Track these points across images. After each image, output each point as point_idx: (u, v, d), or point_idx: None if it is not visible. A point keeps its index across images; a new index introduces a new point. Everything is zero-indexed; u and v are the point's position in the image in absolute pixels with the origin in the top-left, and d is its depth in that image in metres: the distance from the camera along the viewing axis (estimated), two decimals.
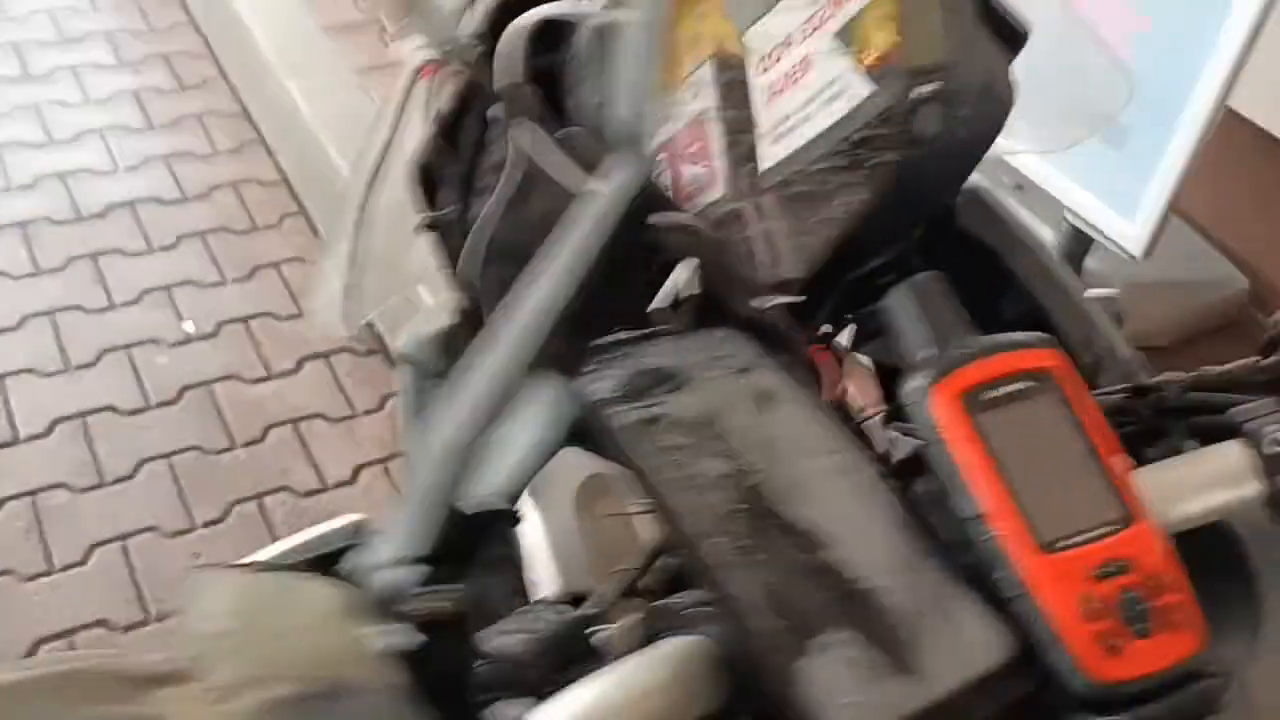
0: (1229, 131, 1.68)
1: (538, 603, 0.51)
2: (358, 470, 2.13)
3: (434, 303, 0.72)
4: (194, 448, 2.13)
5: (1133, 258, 1.34)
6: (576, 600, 0.52)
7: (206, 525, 2.02)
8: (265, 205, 2.65)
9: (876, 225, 0.63)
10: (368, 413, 2.24)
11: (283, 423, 2.19)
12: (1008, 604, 0.46)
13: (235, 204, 2.64)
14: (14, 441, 2.11)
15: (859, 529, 0.47)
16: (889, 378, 0.58)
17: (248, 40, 2.92)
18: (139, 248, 2.51)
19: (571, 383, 0.47)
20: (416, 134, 0.67)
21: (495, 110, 0.66)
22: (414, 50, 0.65)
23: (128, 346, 2.30)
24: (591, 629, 0.49)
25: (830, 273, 0.64)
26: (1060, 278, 0.68)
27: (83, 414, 2.17)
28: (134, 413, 2.19)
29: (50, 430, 2.14)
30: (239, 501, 2.06)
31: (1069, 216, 1.41)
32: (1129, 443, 0.51)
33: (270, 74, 2.81)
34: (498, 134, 0.66)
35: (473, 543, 0.45)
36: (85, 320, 2.35)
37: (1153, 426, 0.58)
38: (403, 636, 0.42)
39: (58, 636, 1.84)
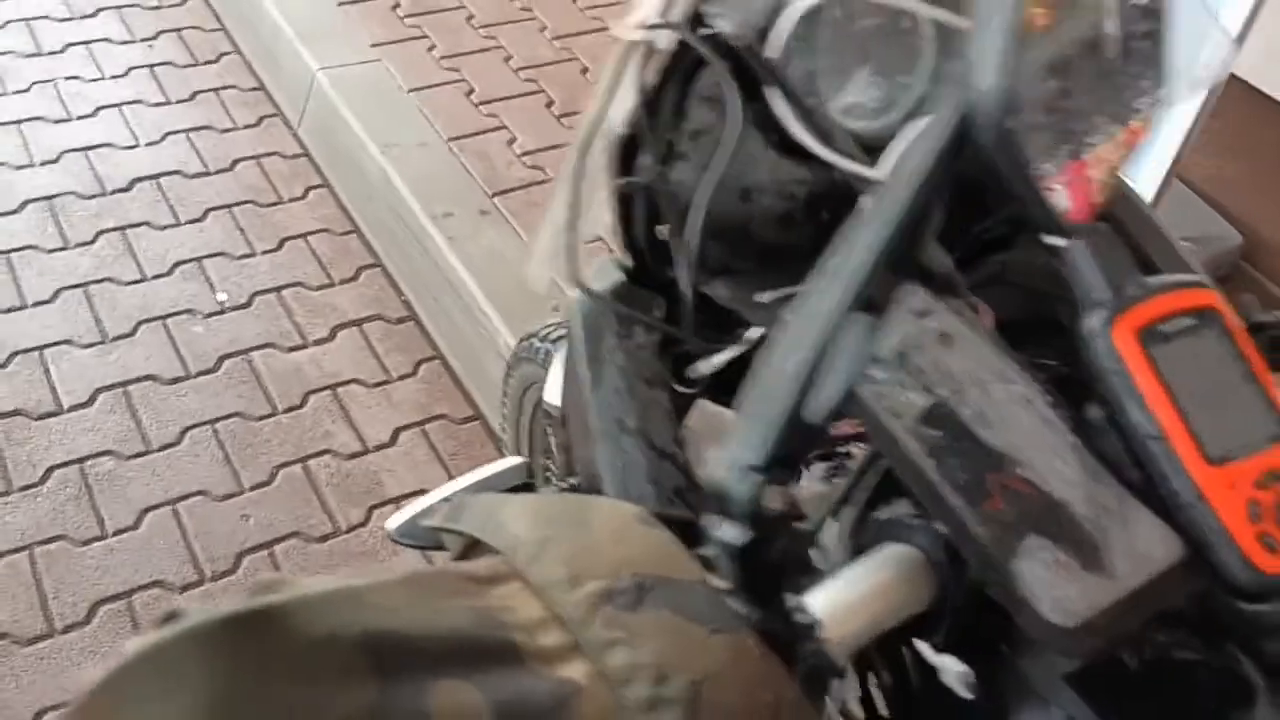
0: (1225, 94, 1.76)
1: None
2: (397, 433, 2.19)
3: (605, 260, 0.79)
4: (236, 414, 2.19)
5: None
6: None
7: (254, 488, 2.08)
8: (289, 178, 2.69)
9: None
10: (402, 378, 2.29)
11: (321, 389, 2.25)
12: (1176, 512, 0.53)
13: (259, 177, 2.68)
14: (58, 411, 2.16)
15: (1044, 450, 0.54)
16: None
17: (261, 13, 2.95)
18: (167, 220, 2.55)
19: (878, 319, 0.53)
20: (625, 104, 0.73)
21: (713, 81, 0.72)
22: (629, 28, 0.71)
23: (164, 317, 2.35)
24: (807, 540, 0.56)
25: (956, 225, 0.71)
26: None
27: (124, 383, 2.22)
28: (174, 381, 2.24)
29: (92, 400, 2.18)
30: (284, 465, 2.12)
31: None
32: None
33: (286, 47, 2.84)
34: (697, 104, 0.73)
35: (802, 452, 0.51)
36: (119, 292, 2.39)
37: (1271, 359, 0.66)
38: (736, 532, 0.48)
39: (116, 598, 1.90)
